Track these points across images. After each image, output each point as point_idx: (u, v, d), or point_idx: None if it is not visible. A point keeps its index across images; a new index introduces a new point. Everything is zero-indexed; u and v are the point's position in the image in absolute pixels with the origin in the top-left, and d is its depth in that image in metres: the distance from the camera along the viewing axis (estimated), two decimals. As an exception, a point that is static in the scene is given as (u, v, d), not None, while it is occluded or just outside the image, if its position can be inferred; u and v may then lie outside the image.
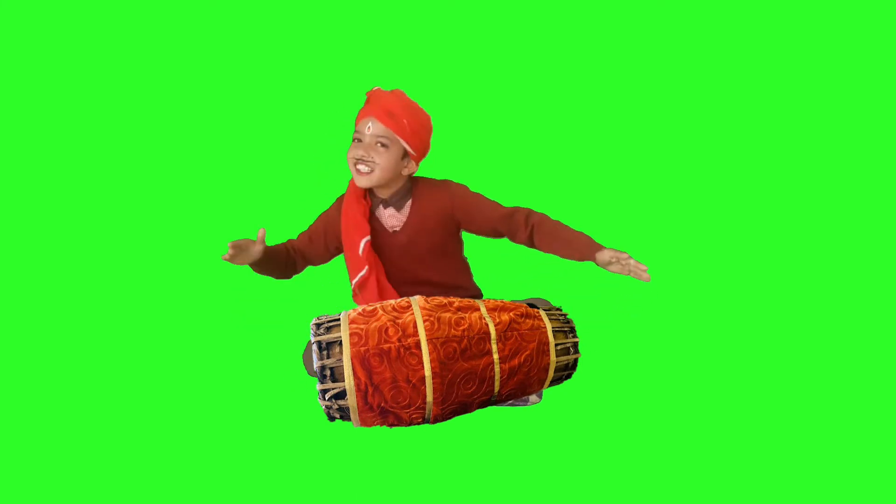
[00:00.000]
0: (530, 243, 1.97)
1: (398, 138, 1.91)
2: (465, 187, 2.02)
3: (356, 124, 1.96)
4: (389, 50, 2.85)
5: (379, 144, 1.91)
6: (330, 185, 2.17)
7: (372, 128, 1.92)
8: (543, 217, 1.96)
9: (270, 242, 2.01)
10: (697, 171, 2.88)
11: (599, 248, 1.83)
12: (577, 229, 1.92)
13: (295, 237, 2.09)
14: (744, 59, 2.87)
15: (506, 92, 2.91)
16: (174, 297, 2.57)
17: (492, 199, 2.01)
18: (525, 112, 2.91)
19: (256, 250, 1.88)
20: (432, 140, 2.00)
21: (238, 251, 1.85)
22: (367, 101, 1.96)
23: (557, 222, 1.94)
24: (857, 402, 1.86)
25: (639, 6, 2.88)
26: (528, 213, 1.97)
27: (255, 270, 1.98)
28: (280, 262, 2.02)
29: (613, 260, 1.78)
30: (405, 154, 1.94)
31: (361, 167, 1.93)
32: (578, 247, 1.87)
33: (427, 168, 2.05)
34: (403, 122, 1.91)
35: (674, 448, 1.66)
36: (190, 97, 2.84)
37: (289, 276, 2.09)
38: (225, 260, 1.83)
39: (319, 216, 2.08)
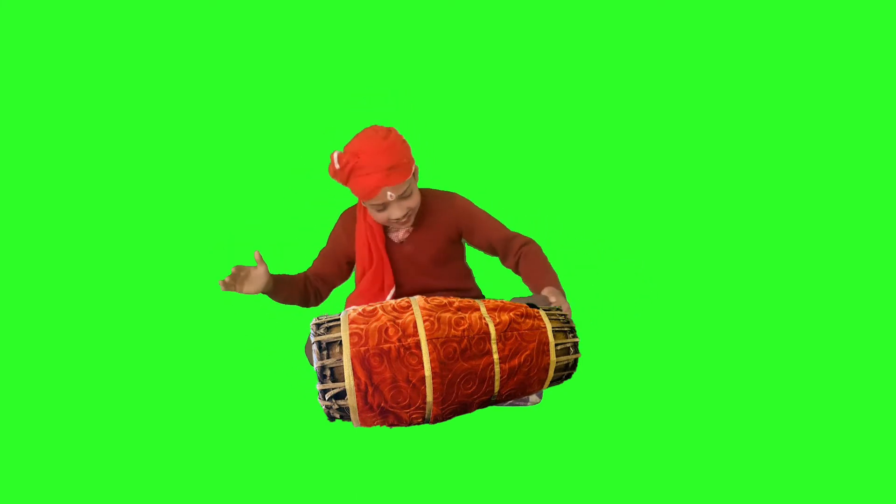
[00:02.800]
0: (516, 270, 2.03)
1: (409, 180, 1.93)
2: (470, 202, 2.07)
3: (365, 199, 1.92)
4: (385, 58, 2.87)
5: (406, 195, 1.94)
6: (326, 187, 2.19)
7: (393, 193, 1.91)
8: (534, 248, 2.00)
9: (283, 254, 2.01)
10: (698, 172, 2.88)
11: (548, 284, 1.89)
12: (553, 269, 1.96)
13: (295, 244, 2.13)
14: (735, 61, 2.88)
15: (498, 98, 2.92)
16: (175, 298, 2.58)
17: (496, 218, 2.06)
18: (519, 117, 2.92)
19: (259, 273, 1.92)
20: (431, 142, 2.02)
21: (236, 278, 1.88)
22: (360, 172, 1.89)
23: (543, 257, 1.99)
24: (856, 402, 1.86)
25: (626, 12, 2.89)
26: (524, 243, 2.01)
27: (274, 300, 2.03)
28: (297, 288, 2.06)
29: (550, 296, 1.83)
30: (412, 180, 1.96)
31: (403, 221, 1.97)
32: (539, 280, 1.92)
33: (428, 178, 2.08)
34: (404, 162, 1.91)
35: (674, 448, 1.66)
36: (189, 103, 2.85)
37: (316, 304, 2.13)
38: (225, 288, 1.85)
39: (329, 238, 2.13)
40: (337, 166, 1.90)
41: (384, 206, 1.94)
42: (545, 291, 1.86)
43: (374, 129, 1.93)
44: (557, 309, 1.87)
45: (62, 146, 2.82)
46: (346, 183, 1.93)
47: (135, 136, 2.85)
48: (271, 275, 1.96)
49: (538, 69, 2.93)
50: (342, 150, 1.92)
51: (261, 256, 1.92)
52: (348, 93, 2.84)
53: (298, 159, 2.83)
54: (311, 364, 1.95)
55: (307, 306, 2.12)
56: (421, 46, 2.88)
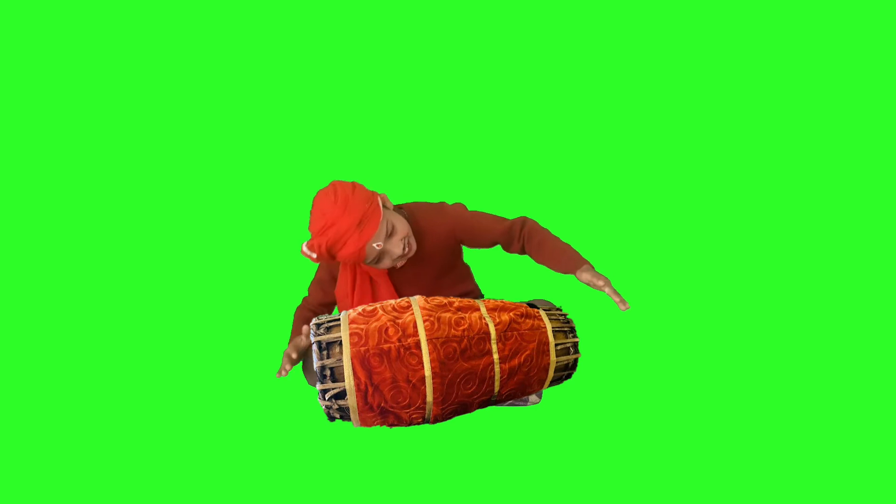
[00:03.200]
0: (522, 252, 2.00)
1: (384, 218, 1.86)
2: (462, 207, 2.03)
3: (362, 262, 1.88)
4: (385, 60, 2.86)
5: (390, 233, 1.88)
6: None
7: (378, 242, 1.85)
8: (534, 226, 1.97)
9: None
10: (697, 172, 2.88)
11: (581, 265, 1.85)
12: (564, 241, 1.93)
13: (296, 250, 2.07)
14: (737, 64, 2.88)
15: (495, 98, 2.91)
16: (174, 299, 2.57)
17: (489, 212, 2.02)
18: (517, 117, 2.92)
19: (305, 345, 1.87)
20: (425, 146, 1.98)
21: (294, 362, 1.85)
22: (337, 246, 1.83)
23: (546, 232, 1.96)
24: (856, 403, 1.86)
25: (622, 12, 2.88)
26: (522, 223, 1.99)
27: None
28: None
29: (590, 284, 1.80)
30: (384, 205, 1.90)
31: (407, 251, 1.90)
32: (562, 261, 1.89)
33: (426, 177, 2.05)
34: (367, 207, 1.83)
35: (673, 448, 1.66)
36: (189, 103, 2.85)
37: None
38: (285, 374, 1.83)
39: (319, 266, 2.09)
40: (314, 256, 1.85)
41: (380, 256, 1.89)
42: (584, 276, 1.80)
43: (323, 197, 1.84)
44: (558, 309, 1.87)
45: (63, 148, 2.81)
46: (334, 260, 1.88)
47: (137, 139, 2.85)
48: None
49: (534, 70, 2.93)
50: (308, 240, 1.86)
51: (308, 332, 1.84)
52: (343, 96, 2.83)
53: (298, 162, 2.83)
54: (310, 383, 1.94)
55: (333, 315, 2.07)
56: (417, 50, 2.87)
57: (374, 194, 1.87)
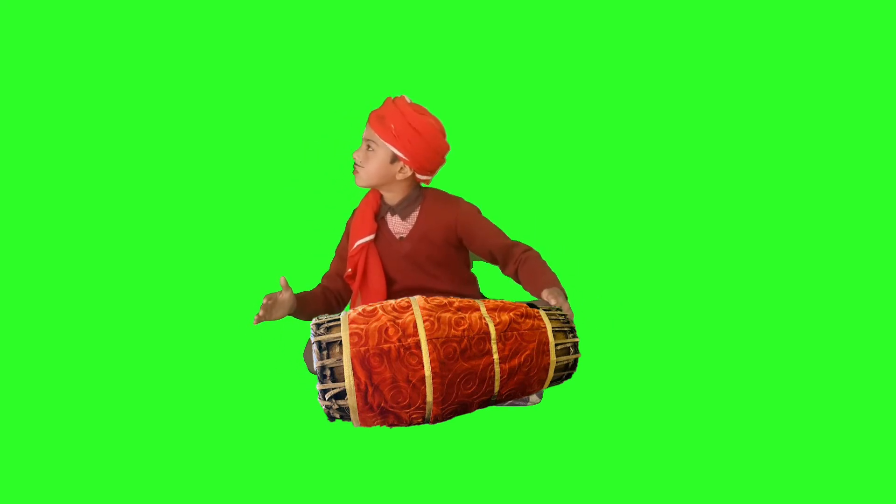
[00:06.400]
0: (515, 277, 2.00)
1: (384, 142, 1.95)
2: (475, 208, 2.05)
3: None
4: (397, 56, 2.86)
5: (367, 147, 1.98)
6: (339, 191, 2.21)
7: (365, 131, 1.99)
8: (535, 255, 1.98)
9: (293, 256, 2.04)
10: (698, 171, 2.88)
11: (551, 286, 1.86)
12: (552, 271, 1.94)
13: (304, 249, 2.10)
14: (739, 69, 2.88)
15: (493, 100, 2.91)
16: (175, 298, 2.58)
17: (498, 227, 2.04)
18: (516, 118, 2.92)
19: (286, 299, 1.92)
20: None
21: (268, 311, 1.89)
22: (388, 102, 2.00)
23: (541, 261, 1.97)
24: (856, 402, 1.86)
25: (623, 17, 2.88)
26: (526, 249, 2.00)
27: (299, 318, 2.02)
28: (318, 302, 2.07)
29: (546, 299, 1.82)
30: (394, 158, 1.96)
31: (356, 168, 2.01)
32: (537, 283, 1.90)
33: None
34: (390, 126, 1.94)
35: (674, 448, 1.66)
36: (200, 103, 2.85)
37: (340, 309, 2.14)
38: (258, 322, 1.87)
39: (343, 235, 2.15)
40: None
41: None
42: (544, 294, 1.83)
43: (430, 116, 1.97)
44: (558, 309, 1.87)
45: (64, 149, 2.82)
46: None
47: (142, 139, 2.85)
48: (295, 296, 1.96)
49: (534, 71, 2.93)
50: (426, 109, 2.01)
51: (286, 282, 1.92)
52: (349, 92, 2.83)
53: (304, 160, 2.83)
54: (310, 370, 1.95)
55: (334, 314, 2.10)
56: (422, 47, 2.87)
57: (412, 148, 1.95)
